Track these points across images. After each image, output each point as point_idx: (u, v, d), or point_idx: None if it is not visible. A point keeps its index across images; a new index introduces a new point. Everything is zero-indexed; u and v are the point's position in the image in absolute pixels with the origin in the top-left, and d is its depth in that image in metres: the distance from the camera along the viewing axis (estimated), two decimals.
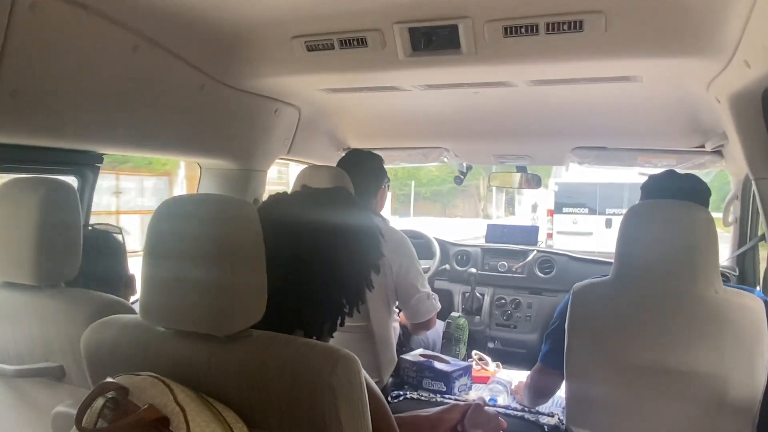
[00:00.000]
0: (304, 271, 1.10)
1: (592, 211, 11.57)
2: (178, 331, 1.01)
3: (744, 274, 2.58)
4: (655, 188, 1.93)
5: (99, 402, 0.90)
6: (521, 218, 18.20)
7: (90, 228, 1.72)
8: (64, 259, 1.39)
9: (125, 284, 1.68)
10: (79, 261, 1.41)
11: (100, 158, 1.90)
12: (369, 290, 1.19)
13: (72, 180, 1.89)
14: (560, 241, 11.34)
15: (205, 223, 0.96)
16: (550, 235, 11.77)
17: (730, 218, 2.67)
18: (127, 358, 1.04)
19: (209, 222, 0.96)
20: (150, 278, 0.99)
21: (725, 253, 2.70)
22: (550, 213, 12.04)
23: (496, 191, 21.01)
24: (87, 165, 1.89)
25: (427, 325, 2.51)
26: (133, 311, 1.33)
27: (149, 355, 1.02)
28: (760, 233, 2.45)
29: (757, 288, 2.38)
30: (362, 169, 2.33)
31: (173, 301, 0.97)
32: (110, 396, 0.90)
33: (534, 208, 18.78)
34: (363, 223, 1.19)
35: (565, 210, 11.83)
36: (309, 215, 1.14)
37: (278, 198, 1.19)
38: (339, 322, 1.17)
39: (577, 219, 11.62)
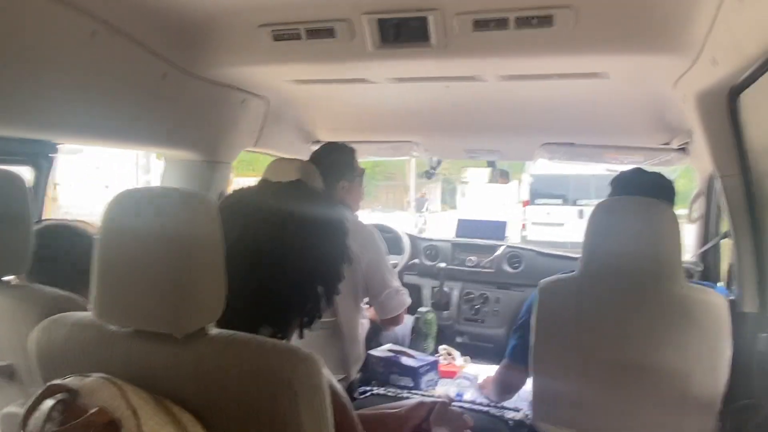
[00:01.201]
0: (268, 266, 1.08)
1: (566, 202, 11.74)
2: (132, 330, 0.97)
3: (708, 270, 2.62)
4: (623, 184, 1.96)
5: (47, 404, 0.86)
6: (461, 213, 16.76)
7: (60, 221, 1.65)
8: (13, 253, 1.33)
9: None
10: (30, 255, 1.35)
11: (54, 148, 1.83)
12: (339, 281, 1.17)
13: (27, 170, 1.82)
14: (534, 231, 11.49)
15: (161, 217, 0.92)
16: (524, 226, 11.92)
17: (695, 215, 2.71)
18: (79, 358, 0.99)
19: (165, 216, 0.92)
20: (103, 274, 0.95)
21: (690, 249, 2.75)
22: (525, 203, 12.19)
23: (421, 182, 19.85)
24: (41, 155, 1.82)
25: (396, 320, 2.49)
26: (86, 309, 1.29)
27: (102, 356, 0.98)
28: (723, 230, 2.49)
29: (720, 284, 2.41)
30: (324, 162, 2.30)
31: (127, 298, 0.93)
32: (59, 398, 0.86)
33: (421, 204, 17.83)
34: (326, 215, 1.17)
35: (538, 201, 11.97)
36: (271, 209, 1.11)
37: (240, 193, 1.16)
38: (316, 316, 1.14)
39: (551, 210, 11.76)
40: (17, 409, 1.11)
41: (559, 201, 11.78)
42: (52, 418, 0.85)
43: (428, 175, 3.60)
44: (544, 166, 10.99)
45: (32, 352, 1.05)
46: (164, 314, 0.91)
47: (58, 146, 1.82)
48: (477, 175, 3.51)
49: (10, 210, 1.31)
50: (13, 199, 1.32)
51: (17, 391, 1.28)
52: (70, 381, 0.89)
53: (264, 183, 1.22)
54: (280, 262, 1.09)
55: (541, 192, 11.95)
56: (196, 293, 0.91)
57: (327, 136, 2.93)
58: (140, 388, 0.89)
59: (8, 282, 1.36)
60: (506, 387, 2.05)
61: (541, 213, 11.90)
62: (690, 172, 2.82)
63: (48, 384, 0.88)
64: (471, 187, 16.53)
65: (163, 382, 0.92)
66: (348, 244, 1.19)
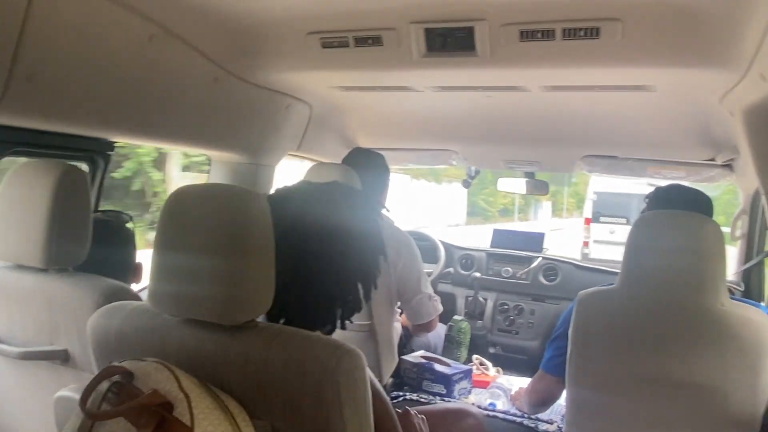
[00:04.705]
0: (314, 263, 1.11)
1: (629, 222, 11.43)
2: (185, 319, 1.01)
3: (749, 289, 2.57)
4: (660, 199, 1.93)
5: (104, 385, 0.91)
6: None
7: (100, 214, 1.72)
8: (73, 244, 1.40)
9: (133, 272, 1.69)
10: (88, 246, 1.42)
11: (111, 146, 1.91)
12: (374, 287, 1.20)
13: (83, 167, 1.90)
14: (597, 250, 11.22)
15: (216, 213, 0.97)
16: (586, 244, 11.67)
17: (738, 233, 2.66)
18: (133, 344, 1.04)
19: (221, 212, 0.97)
20: (160, 265, 1.00)
21: (731, 268, 2.69)
22: (588, 222, 11.93)
23: None
24: (98, 152, 1.89)
25: (428, 327, 2.50)
26: (138, 298, 1.34)
27: (155, 342, 1.02)
28: (767, 248, 2.44)
29: (762, 303, 2.36)
30: (365, 167, 2.33)
31: (182, 289, 0.98)
32: (115, 380, 0.91)
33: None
34: (365, 215, 1.20)
35: (602, 219, 11.69)
36: (316, 209, 1.14)
37: (281, 193, 1.20)
38: (355, 309, 1.18)
39: (615, 229, 11.43)
40: (71, 393, 1.16)
41: (623, 221, 11.43)
42: (108, 398, 0.90)
43: (465, 184, 3.60)
44: (608, 184, 10.75)
45: (89, 337, 1.10)
46: (216, 305, 0.95)
47: (114, 144, 1.89)
48: (510, 185, 3.42)
49: (71, 202, 1.38)
50: (76, 192, 1.39)
51: (71, 375, 1.34)
52: (126, 364, 0.93)
53: (306, 184, 1.25)
54: (324, 260, 1.12)
55: (604, 211, 11.66)
56: (247, 286, 0.95)
57: (367, 143, 2.97)
58: (190, 374, 0.93)
59: (66, 270, 1.43)
60: (540, 399, 2.04)
61: (605, 232, 11.56)
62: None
63: (106, 366, 0.93)
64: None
65: (212, 369, 0.96)
66: (384, 242, 1.22)
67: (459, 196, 20.27)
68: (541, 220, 26.60)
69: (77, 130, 1.71)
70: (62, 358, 1.37)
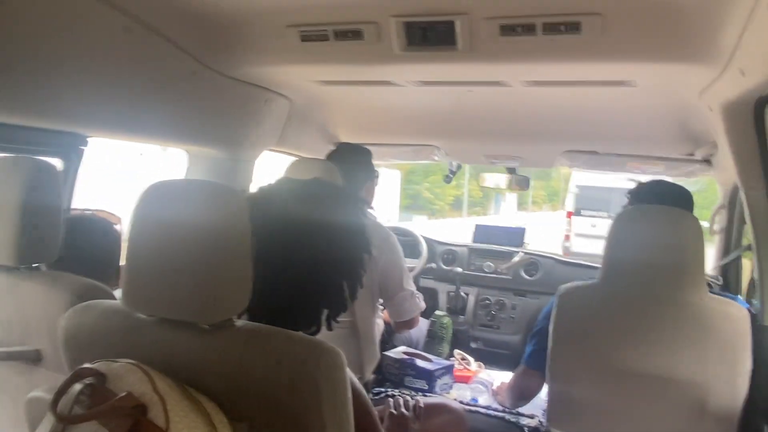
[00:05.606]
0: (299, 263, 1.09)
1: (611, 216, 11.36)
2: (159, 318, 0.99)
3: (727, 283, 2.60)
4: (643, 195, 1.95)
5: (75, 388, 0.88)
6: None
7: (89, 213, 1.69)
8: (44, 241, 1.36)
9: (116, 273, 1.65)
10: (59, 244, 1.38)
11: (84, 141, 1.86)
12: (360, 286, 1.18)
13: (57, 162, 1.85)
14: (578, 243, 11.25)
15: (191, 209, 0.94)
16: (567, 237, 11.69)
17: (716, 227, 2.69)
18: (106, 345, 1.02)
19: (196, 208, 0.94)
20: (133, 263, 0.97)
21: (710, 263, 2.72)
22: (569, 215, 11.94)
23: None
24: (71, 147, 1.85)
25: (410, 324, 2.50)
26: (113, 297, 1.31)
27: (129, 342, 1.00)
28: (745, 243, 2.47)
29: (740, 296, 2.39)
30: (350, 163, 2.32)
31: (155, 287, 0.95)
32: (87, 382, 0.88)
33: None
34: (350, 211, 1.19)
35: (584, 213, 11.69)
36: (298, 207, 1.13)
37: (264, 192, 1.18)
38: (342, 308, 1.17)
39: (596, 222, 11.43)
40: (43, 394, 1.13)
41: (605, 214, 11.43)
42: (81, 401, 0.88)
43: (447, 180, 3.60)
44: (590, 178, 10.77)
45: (61, 337, 1.07)
46: (191, 304, 0.93)
47: (88, 139, 1.85)
48: (492, 181, 3.35)
49: (42, 199, 1.34)
50: (46, 189, 1.36)
51: (43, 376, 1.31)
52: (98, 365, 0.91)
53: (287, 181, 1.23)
54: (309, 260, 1.10)
55: (586, 205, 11.66)
56: (222, 284, 0.93)
57: (349, 138, 2.95)
58: (166, 375, 0.91)
59: (38, 269, 1.39)
60: (522, 393, 2.04)
61: (586, 225, 11.55)
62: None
63: (77, 368, 0.90)
64: None
65: (187, 370, 0.94)
66: (369, 239, 1.21)
67: (391, 186, 16.27)
68: (504, 214, 23.59)
69: (49, 125, 1.67)
70: (34, 358, 1.34)
